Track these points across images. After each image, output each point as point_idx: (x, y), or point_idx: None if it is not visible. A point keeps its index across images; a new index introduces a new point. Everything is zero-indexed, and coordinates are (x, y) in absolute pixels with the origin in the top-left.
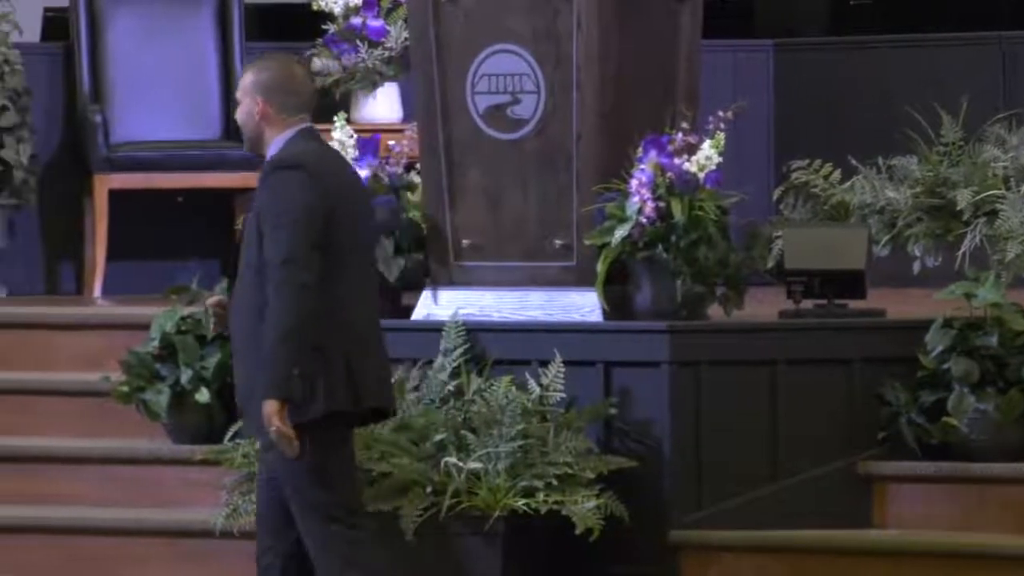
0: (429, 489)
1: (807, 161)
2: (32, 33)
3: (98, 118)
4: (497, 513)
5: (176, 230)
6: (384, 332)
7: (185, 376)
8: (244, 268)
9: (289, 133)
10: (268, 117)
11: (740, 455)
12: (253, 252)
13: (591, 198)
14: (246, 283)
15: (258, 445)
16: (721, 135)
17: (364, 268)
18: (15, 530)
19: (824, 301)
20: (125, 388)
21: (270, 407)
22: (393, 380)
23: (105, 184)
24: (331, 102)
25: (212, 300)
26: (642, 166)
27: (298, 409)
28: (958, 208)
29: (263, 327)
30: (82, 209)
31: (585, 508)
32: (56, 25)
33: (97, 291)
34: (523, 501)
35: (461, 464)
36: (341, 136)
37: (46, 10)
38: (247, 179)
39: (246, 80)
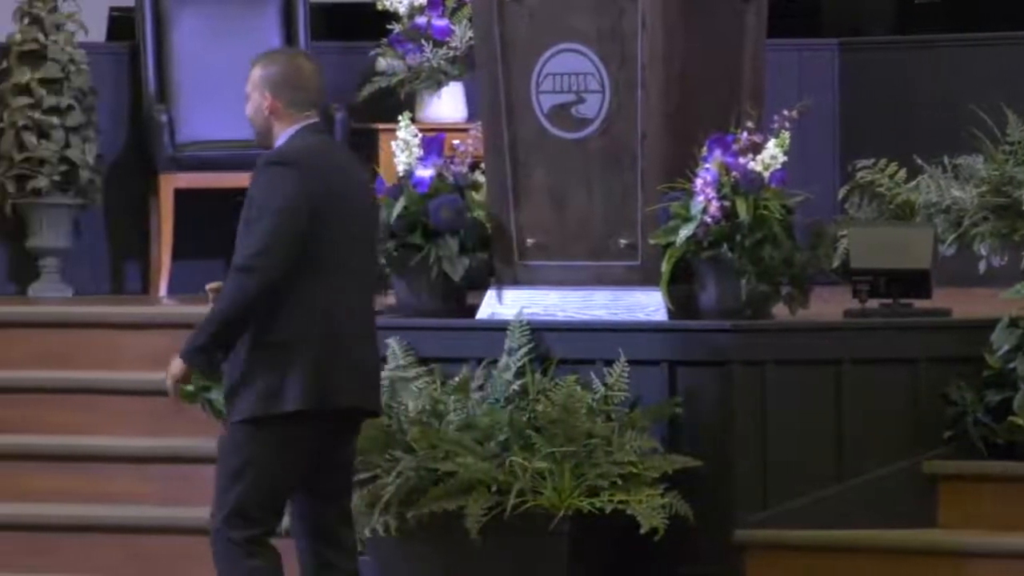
0: (494, 488)
1: (872, 160)
2: (98, 33)
3: (164, 118)
4: (562, 512)
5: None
6: (376, 332)
7: None
8: (238, 253)
9: (295, 128)
10: (277, 112)
11: (805, 455)
12: (243, 239)
13: (656, 197)
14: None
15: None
16: (786, 134)
17: (353, 267)
18: (80, 529)
19: (889, 300)
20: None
21: (179, 367)
22: (383, 381)
23: (171, 184)
24: (396, 102)
25: (213, 286)
26: (707, 165)
27: (263, 402)
28: None
29: (264, 319)
30: (147, 209)
31: (650, 507)
32: (121, 25)
33: (162, 290)
34: (588, 500)
35: (526, 463)
36: (405, 135)
37: (111, 10)
38: None
39: (254, 75)
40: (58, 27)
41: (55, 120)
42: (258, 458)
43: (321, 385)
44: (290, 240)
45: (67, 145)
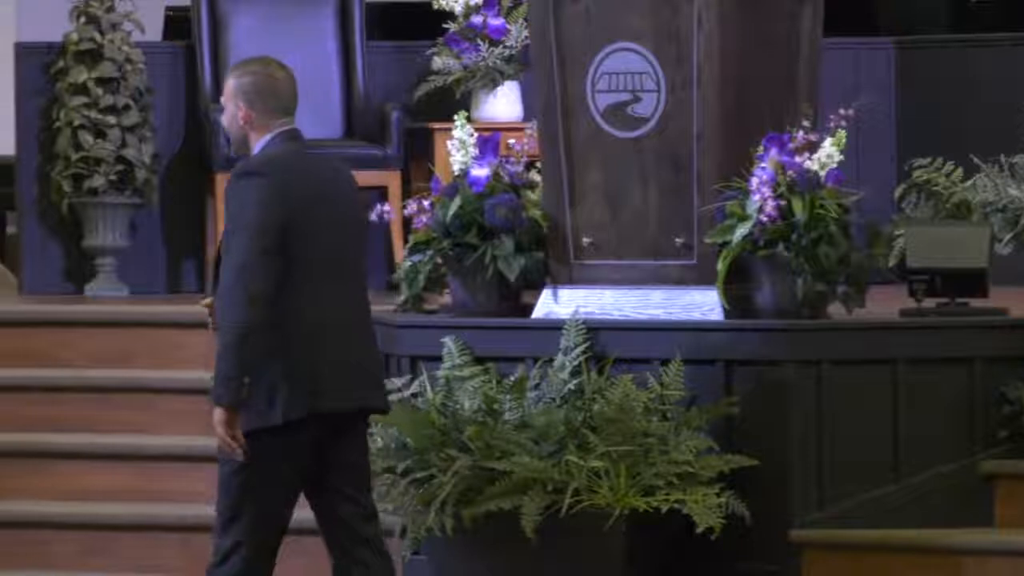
0: (550, 488)
1: (929, 159)
2: (154, 32)
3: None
4: (618, 512)
5: None
6: (372, 329)
7: None
8: (223, 265)
9: (269, 136)
10: (251, 121)
11: (861, 454)
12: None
13: (711, 196)
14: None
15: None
16: (843, 133)
17: (340, 269)
18: (138, 528)
19: (946, 300)
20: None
21: (219, 414)
22: (385, 379)
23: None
24: (451, 101)
25: (206, 301)
26: (763, 164)
27: (258, 415)
28: None
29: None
30: (203, 208)
31: (706, 507)
32: (177, 24)
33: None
34: (644, 500)
35: (582, 462)
36: (461, 135)
37: (168, 9)
38: (368, 177)
39: (228, 85)
40: (115, 26)
41: (111, 119)
42: (258, 472)
43: (307, 393)
44: (268, 251)
45: (123, 144)
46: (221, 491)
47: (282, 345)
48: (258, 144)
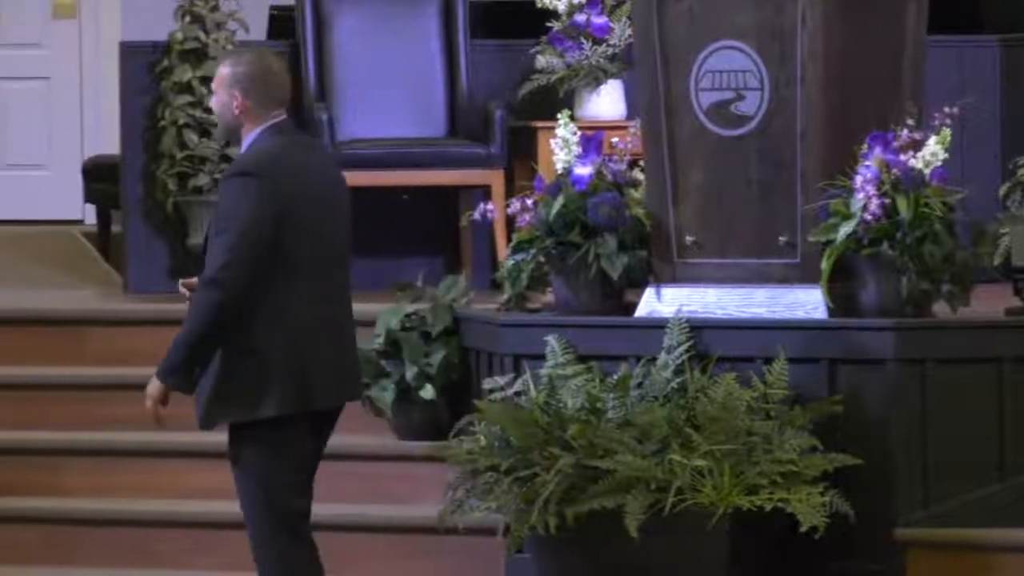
0: (653, 486)
1: None
2: (258, 31)
3: (324, 116)
4: (721, 511)
5: (401, 227)
6: (353, 323)
7: (410, 373)
8: (208, 259)
9: (262, 127)
10: (247, 111)
11: (966, 453)
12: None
13: (815, 195)
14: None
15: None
16: (947, 131)
17: (327, 264)
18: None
19: None
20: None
21: (154, 388)
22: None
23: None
24: (555, 99)
25: (191, 284)
26: (867, 162)
27: (245, 411)
28: None
29: (241, 325)
30: None
31: (810, 505)
32: (281, 23)
33: None
34: (747, 498)
35: (685, 461)
36: (564, 133)
37: (272, 8)
38: (472, 176)
39: (223, 73)
40: (219, 25)
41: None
42: (255, 464)
43: (301, 388)
44: (254, 252)
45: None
46: (238, 492)
47: (276, 339)
48: (250, 135)
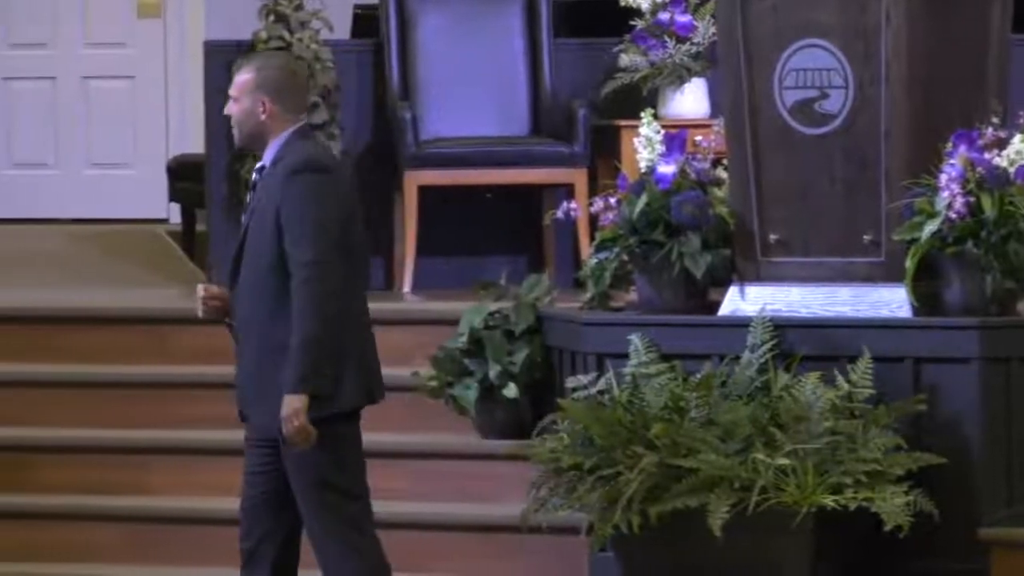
0: (736, 485)
1: None
2: (343, 30)
3: (407, 115)
4: (805, 510)
5: (484, 226)
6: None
7: (493, 371)
8: (252, 266)
9: (288, 132)
10: (274, 116)
11: None
12: (267, 250)
13: (899, 193)
14: (258, 281)
15: (251, 436)
16: None
17: (365, 263)
18: None
19: None
20: (434, 383)
21: (296, 403)
22: None
23: (414, 180)
24: (638, 98)
25: (212, 292)
26: (951, 161)
27: (323, 403)
28: None
29: (282, 325)
30: (391, 205)
31: (894, 504)
32: (366, 22)
33: (406, 287)
34: (831, 497)
35: (769, 460)
36: (648, 132)
37: (356, 7)
38: (555, 175)
39: (246, 79)
40: (303, 24)
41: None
42: (326, 459)
43: (366, 382)
44: (334, 244)
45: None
46: (307, 491)
47: (344, 333)
48: (277, 140)
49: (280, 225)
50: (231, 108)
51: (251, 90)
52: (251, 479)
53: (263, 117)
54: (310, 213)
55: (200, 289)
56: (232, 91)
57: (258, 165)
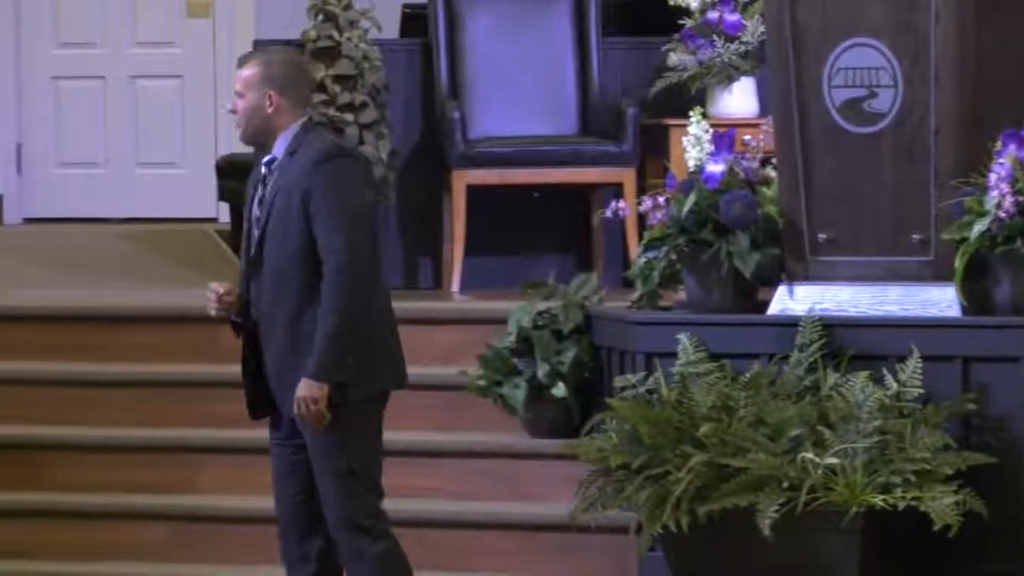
0: (785, 484)
1: None
2: (391, 29)
3: (456, 114)
4: (854, 509)
5: (533, 225)
6: None
7: (542, 371)
8: (277, 256)
9: (297, 124)
10: (281, 110)
11: None
12: (294, 239)
13: (949, 193)
14: (284, 271)
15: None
16: None
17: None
18: None
19: None
20: (482, 382)
21: (315, 389)
22: None
23: (463, 180)
24: (687, 97)
25: (227, 289)
26: (1001, 160)
27: (354, 388)
28: None
29: (311, 315)
30: (440, 204)
31: (943, 504)
32: (414, 22)
33: (455, 286)
34: (880, 497)
35: (818, 459)
36: (696, 131)
37: (404, 7)
38: (604, 174)
39: (252, 73)
40: (352, 24)
41: (349, 117)
42: (359, 442)
43: (396, 366)
44: (370, 233)
45: (361, 142)
46: (335, 480)
47: (377, 317)
48: (286, 133)
49: (308, 212)
50: (236, 104)
51: (258, 85)
52: (284, 480)
53: (270, 111)
54: (343, 199)
55: (216, 287)
56: (237, 87)
57: (267, 158)
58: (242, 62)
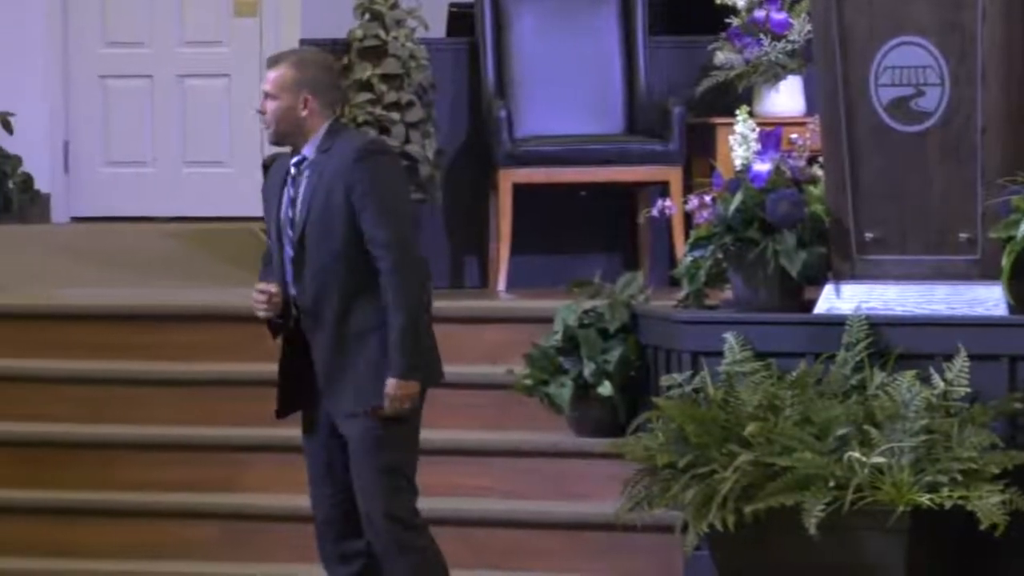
0: (831, 484)
1: None
2: (438, 28)
3: (502, 113)
4: (901, 508)
5: (579, 224)
6: None
7: (588, 369)
8: (321, 254)
9: (328, 123)
10: (314, 112)
11: None
12: (337, 236)
13: (995, 191)
14: (328, 268)
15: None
16: None
17: None
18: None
19: None
20: (528, 381)
21: (410, 388)
22: None
23: (509, 178)
24: (733, 96)
25: (274, 289)
26: None
27: (426, 378)
28: None
29: (358, 311)
30: (486, 203)
31: (990, 503)
32: (460, 21)
33: (501, 285)
34: (927, 496)
35: (864, 459)
36: (743, 130)
37: (451, 6)
38: (650, 173)
39: (286, 75)
40: (399, 23)
41: (395, 116)
42: (405, 437)
43: (439, 362)
44: (415, 226)
45: (407, 141)
46: (377, 476)
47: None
48: (317, 133)
49: (351, 207)
50: (266, 105)
51: (292, 87)
52: (322, 480)
53: (304, 113)
54: (389, 193)
55: (265, 287)
56: (268, 88)
57: (295, 159)
58: (273, 63)
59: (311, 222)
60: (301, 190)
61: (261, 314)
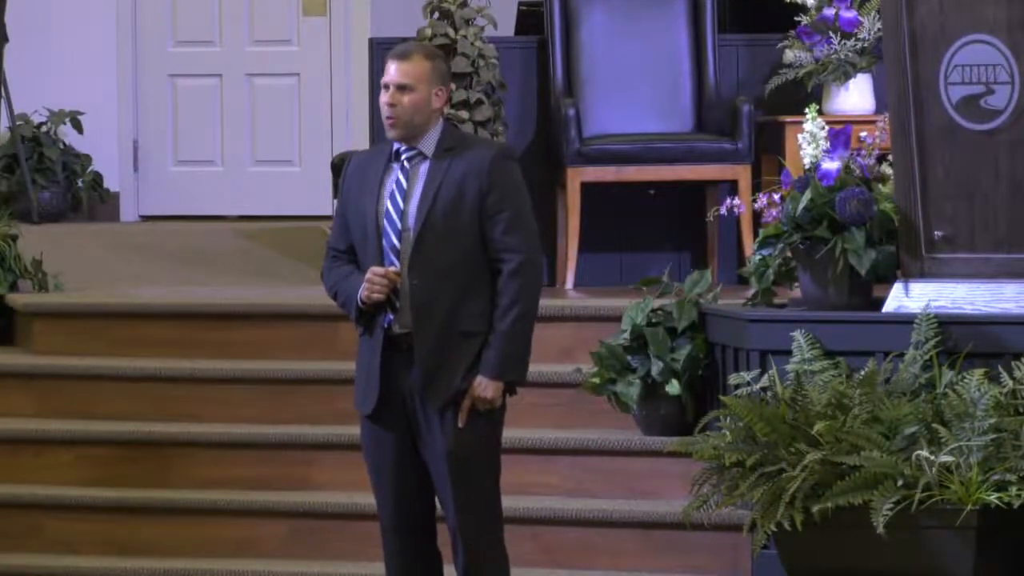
0: (900, 482)
1: None
2: (506, 27)
3: (571, 111)
4: (969, 507)
5: (647, 222)
6: None
7: (656, 368)
8: (445, 250)
9: (442, 120)
10: (443, 105)
11: None
12: (465, 235)
13: None
14: (450, 265)
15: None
16: None
17: None
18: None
19: None
20: (596, 380)
21: (497, 388)
22: None
23: (578, 177)
24: (803, 94)
25: (395, 268)
26: None
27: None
28: None
29: (469, 309)
30: (555, 202)
31: None
32: (530, 19)
33: (569, 283)
34: (996, 495)
35: (932, 457)
36: (812, 128)
37: (520, 4)
38: (719, 171)
39: (424, 67)
40: (468, 21)
41: (464, 114)
42: (496, 437)
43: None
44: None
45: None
46: (477, 460)
47: None
48: (436, 127)
49: (482, 209)
50: (400, 97)
51: (431, 79)
52: (392, 478)
53: (437, 105)
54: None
55: (386, 270)
56: (404, 80)
57: (409, 153)
58: (404, 55)
59: (434, 217)
60: (420, 184)
61: (376, 296)
